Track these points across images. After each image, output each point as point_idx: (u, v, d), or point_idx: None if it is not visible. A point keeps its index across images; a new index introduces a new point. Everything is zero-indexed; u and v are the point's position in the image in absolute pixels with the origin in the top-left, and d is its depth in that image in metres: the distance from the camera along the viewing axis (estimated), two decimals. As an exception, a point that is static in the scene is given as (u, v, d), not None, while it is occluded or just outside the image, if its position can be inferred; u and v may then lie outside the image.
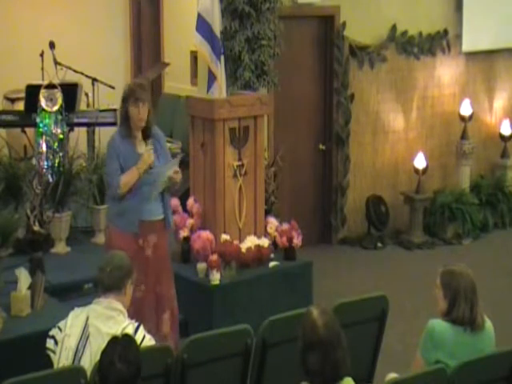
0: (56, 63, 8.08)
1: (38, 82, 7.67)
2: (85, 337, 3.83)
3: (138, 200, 5.15)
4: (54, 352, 3.88)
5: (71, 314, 3.95)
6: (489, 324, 4.03)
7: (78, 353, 3.80)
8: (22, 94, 8.10)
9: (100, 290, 3.97)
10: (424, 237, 8.72)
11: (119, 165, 5.15)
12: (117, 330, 3.80)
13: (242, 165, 6.38)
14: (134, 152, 5.14)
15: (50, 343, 3.91)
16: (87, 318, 3.87)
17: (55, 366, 3.86)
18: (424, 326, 3.98)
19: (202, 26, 6.11)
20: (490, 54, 9.51)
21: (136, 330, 3.87)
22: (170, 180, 5.19)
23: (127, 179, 5.09)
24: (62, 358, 3.83)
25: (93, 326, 3.84)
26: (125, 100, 5.15)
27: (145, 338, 3.87)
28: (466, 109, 9.13)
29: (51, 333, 3.93)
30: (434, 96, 9.14)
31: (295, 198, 8.29)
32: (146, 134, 5.21)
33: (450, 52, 9.16)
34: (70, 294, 5.84)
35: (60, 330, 3.90)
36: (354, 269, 7.91)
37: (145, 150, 5.14)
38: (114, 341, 3.30)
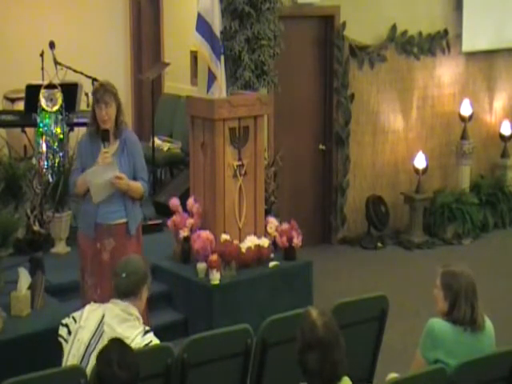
0: (56, 63, 8.07)
1: (38, 82, 7.67)
2: (99, 333, 3.84)
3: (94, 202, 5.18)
4: (66, 340, 3.90)
5: (88, 308, 3.97)
6: (489, 324, 4.03)
7: (89, 347, 3.82)
8: (22, 94, 8.09)
9: (116, 296, 3.96)
10: (424, 237, 8.72)
11: (81, 164, 5.24)
12: (130, 335, 3.82)
13: (242, 165, 6.38)
14: (99, 152, 5.14)
15: (62, 331, 3.93)
16: (103, 316, 3.88)
17: (65, 354, 3.88)
18: (424, 325, 3.98)
19: (202, 26, 6.11)
20: (489, 53, 9.51)
21: (144, 334, 3.87)
22: (111, 185, 5.08)
23: (82, 180, 5.16)
24: (73, 349, 3.84)
25: (108, 325, 3.85)
26: (92, 100, 5.21)
27: (151, 343, 3.86)
28: (465, 109, 9.13)
29: (65, 321, 3.95)
30: (434, 96, 9.15)
31: (295, 198, 8.29)
32: (115, 136, 5.18)
33: (450, 52, 9.16)
34: (70, 294, 5.83)
35: (75, 320, 3.92)
36: (354, 269, 7.91)
37: (101, 151, 5.10)
38: (109, 346, 3.29)
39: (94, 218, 5.18)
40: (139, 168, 5.24)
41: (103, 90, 5.11)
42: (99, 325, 3.86)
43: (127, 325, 3.87)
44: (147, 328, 3.94)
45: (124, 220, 5.19)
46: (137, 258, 4.15)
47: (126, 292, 3.92)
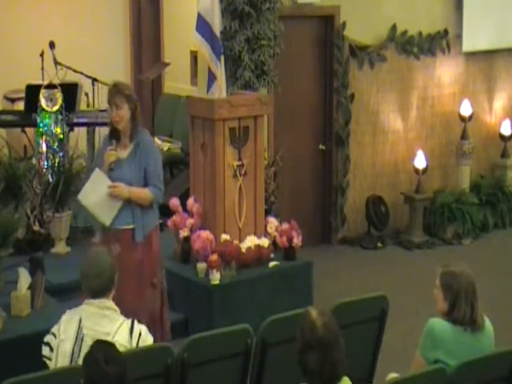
0: (56, 63, 8.08)
1: (38, 82, 7.67)
2: (79, 339, 3.79)
3: None
4: (50, 359, 3.84)
5: (64, 319, 3.90)
6: (488, 324, 4.03)
7: (73, 356, 3.77)
8: (22, 94, 8.10)
9: (90, 295, 3.89)
10: (424, 237, 8.72)
11: (99, 164, 5.17)
12: (112, 329, 3.80)
13: (242, 165, 6.38)
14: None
15: (45, 350, 3.87)
16: (80, 320, 3.83)
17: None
18: (424, 325, 3.98)
19: (202, 26, 6.11)
20: (489, 53, 9.51)
21: (131, 326, 3.86)
22: (112, 198, 4.98)
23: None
24: (58, 364, 3.79)
25: (87, 328, 3.81)
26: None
27: (141, 333, 3.86)
28: (465, 109, 9.13)
29: (46, 339, 3.88)
30: (434, 96, 9.14)
31: (295, 198, 8.29)
32: (130, 139, 5.09)
33: (450, 52, 9.16)
34: (70, 293, 5.82)
35: (54, 336, 3.85)
36: (354, 269, 7.91)
37: (107, 149, 5.06)
38: (93, 348, 3.27)
39: None
40: (151, 173, 5.09)
41: (114, 92, 5.04)
42: (78, 331, 3.81)
43: (106, 321, 3.83)
44: (129, 320, 3.88)
45: (131, 226, 5.07)
46: (100, 253, 4.05)
47: (102, 290, 3.87)
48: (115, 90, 5.05)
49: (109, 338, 3.67)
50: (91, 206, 5.10)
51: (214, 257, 6.06)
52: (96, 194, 5.03)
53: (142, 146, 5.08)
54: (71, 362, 3.77)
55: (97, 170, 5.09)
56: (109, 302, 3.89)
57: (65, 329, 3.84)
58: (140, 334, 3.85)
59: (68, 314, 3.94)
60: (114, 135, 5.09)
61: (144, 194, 5.08)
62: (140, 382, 3.71)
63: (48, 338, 3.88)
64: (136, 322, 3.90)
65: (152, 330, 5.02)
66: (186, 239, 6.39)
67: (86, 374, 3.18)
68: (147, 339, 3.89)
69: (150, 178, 5.11)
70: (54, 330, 3.88)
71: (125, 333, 3.82)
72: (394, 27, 8.67)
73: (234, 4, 6.85)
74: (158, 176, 5.15)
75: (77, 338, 3.80)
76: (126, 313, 4.08)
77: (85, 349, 3.68)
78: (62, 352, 3.80)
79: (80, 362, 3.65)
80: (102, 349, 3.23)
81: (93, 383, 3.15)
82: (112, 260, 4.00)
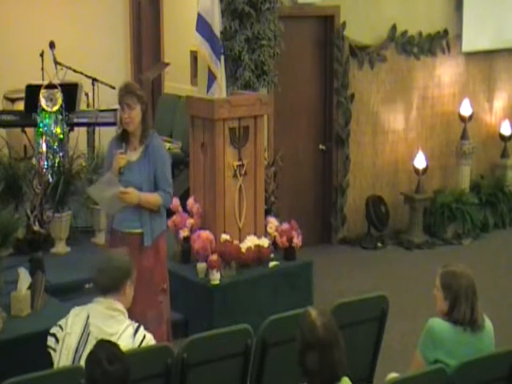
0: (56, 63, 8.09)
1: (38, 81, 7.68)
2: (85, 335, 3.81)
3: None
4: (54, 350, 3.88)
5: (72, 313, 3.94)
6: (488, 324, 4.03)
7: (78, 352, 3.79)
8: (22, 94, 8.10)
9: (98, 292, 3.93)
10: (424, 237, 8.72)
11: (106, 166, 5.14)
12: (118, 330, 3.81)
13: (242, 165, 6.38)
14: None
15: (50, 341, 3.90)
16: (88, 317, 3.86)
17: (55, 364, 3.86)
18: (424, 325, 3.99)
19: (202, 26, 6.11)
20: (489, 53, 9.51)
21: (136, 330, 3.86)
22: (120, 199, 4.92)
23: None
24: (62, 357, 3.82)
25: (93, 325, 3.83)
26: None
27: (145, 338, 3.86)
28: (465, 109, 9.14)
29: (52, 331, 3.92)
30: (434, 96, 9.15)
31: (295, 198, 8.29)
32: (141, 141, 5.02)
33: (450, 52, 9.17)
34: (70, 294, 5.83)
35: (61, 328, 3.89)
36: (353, 269, 7.91)
37: (116, 153, 4.99)
38: (96, 347, 3.27)
39: (111, 222, 5.17)
40: (160, 178, 5.02)
41: (124, 92, 4.97)
42: (85, 327, 3.82)
43: (112, 321, 3.84)
44: (135, 324, 3.89)
45: (139, 230, 5.02)
46: (119, 254, 4.06)
47: (108, 288, 3.87)
48: (125, 90, 4.99)
49: (113, 339, 3.68)
50: (101, 199, 5.11)
51: (214, 257, 6.06)
52: (105, 193, 4.99)
53: (152, 150, 5.01)
54: (74, 357, 3.78)
55: (109, 174, 5.03)
56: (117, 304, 3.89)
57: (72, 323, 3.87)
58: (143, 338, 3.85)
59: (77, 309, 3.96)
60: (124, 138, 5.02)
61: (153, 199, 5.02)
62: (140, 382, 3.70)
63: (54, 330, 3.91)
64: (142, 327, 3.89)
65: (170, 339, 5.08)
66: (186, 239, 6.39)
67: (88, 374, 3.19)
68: (149, 344, 3.90)
69: (159, 183, 5.04)
70: (61, 322, 3.91)
71: (128, 336, 3.82)
72: (393, 27, 8.67)
73: (233, 4, 6.85)
74: (166, 180, 5.08)
75: (83, 333, 3.82)
76: (135, 319, 4.04)
77: (89, 346, 3.69)
78: (67, 345, 3.82)
79: (84, 358, 3.67)
80: (105, 348, 3.24)
81: (95, 383, 3.15)
82: (129, 264, 3.97)
